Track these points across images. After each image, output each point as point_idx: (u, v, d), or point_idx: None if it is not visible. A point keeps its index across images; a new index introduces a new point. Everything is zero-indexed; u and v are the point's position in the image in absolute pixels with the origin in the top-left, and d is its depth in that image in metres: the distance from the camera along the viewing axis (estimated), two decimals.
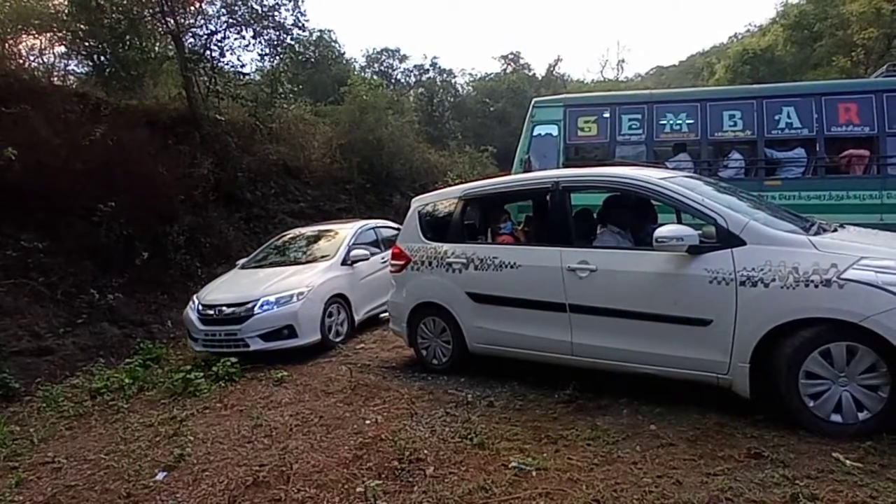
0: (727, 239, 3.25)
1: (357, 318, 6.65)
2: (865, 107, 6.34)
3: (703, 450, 2.98)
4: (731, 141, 6.96)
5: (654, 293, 3.48)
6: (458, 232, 4.72)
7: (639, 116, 7.26)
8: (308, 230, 7.82)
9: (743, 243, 3.20)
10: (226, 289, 6.37)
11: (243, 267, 7.13)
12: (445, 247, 4.67)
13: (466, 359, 4.65)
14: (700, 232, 3.37)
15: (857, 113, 6.37)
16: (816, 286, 2.93)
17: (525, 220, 5.21)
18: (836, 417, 2.96)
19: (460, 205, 4.74)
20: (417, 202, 5.24)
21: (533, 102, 8.08)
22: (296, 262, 6.77)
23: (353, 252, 6.74)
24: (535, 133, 7.73)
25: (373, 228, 7.72)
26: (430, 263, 4.72)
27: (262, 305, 5.74)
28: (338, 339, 6.19)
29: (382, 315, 6.24)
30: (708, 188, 3.82)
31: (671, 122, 7.10)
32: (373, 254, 7.09)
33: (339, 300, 6.35)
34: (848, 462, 2.68)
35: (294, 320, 5.73)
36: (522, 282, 4.11)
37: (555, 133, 7.59)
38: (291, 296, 5.83)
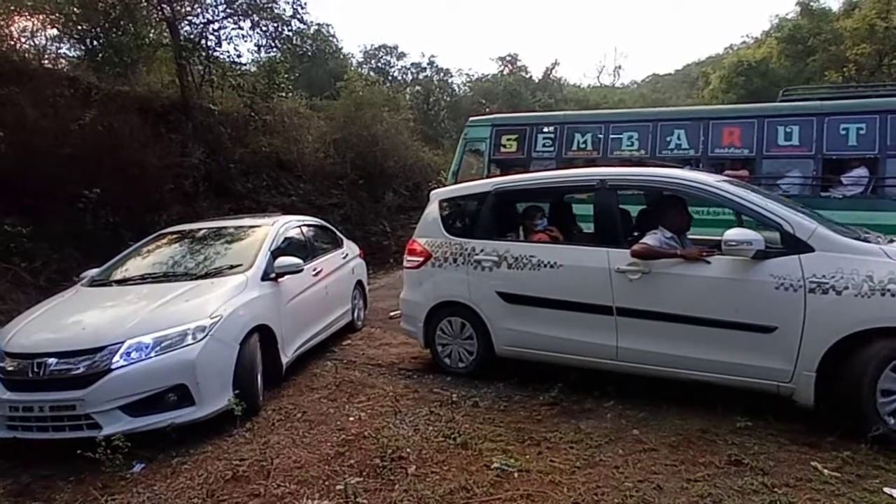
0: (794, 245, 3.21)
1: (286, 358, 4.47)
2: (747, 131, 6.82)
3: (684, 456, 3.00)
4: (629, 159, 7.38)
5: (714, 298, 3.40)
6: (488, 228, 4.49)
7: (552, 136, 7.77)
8: (204, 226, 5.37)
9: (811, 250, 3.16)
10: (57, 322, 3.80)
11: (94, 282, 4.47)
12: (473, 243, 4.43)
13: (492, 362, 4.44)
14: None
15: (739, 136, 6.86)
16: (894, 295, 2.91)
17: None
18: None
19: (491, 200, 4.50)
20: (439, 195, 4.95)
21: (468, 121, 8.67)
22: (186, 276, 4.31)
23: (280, 261, 4.49)
24: (466, 149, 8.36)
25: (299, 227, 5.60)
26: (454, 260, 4.49)
27: (126, 353, 3.36)
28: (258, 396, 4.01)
29: (393, 314, 5.89)
30: (760, 194, 3.67)
31: (578, 141, 7.71)
32: (307, 260, 5.10)
33: (260, 335, 4.09)
34: (826, 471, 2.72)
35: (189, 377, 3.43)
36: (563, 282, 3.94)
37: (483, 149, 8.18)
38: (184, 333, 3.52)
